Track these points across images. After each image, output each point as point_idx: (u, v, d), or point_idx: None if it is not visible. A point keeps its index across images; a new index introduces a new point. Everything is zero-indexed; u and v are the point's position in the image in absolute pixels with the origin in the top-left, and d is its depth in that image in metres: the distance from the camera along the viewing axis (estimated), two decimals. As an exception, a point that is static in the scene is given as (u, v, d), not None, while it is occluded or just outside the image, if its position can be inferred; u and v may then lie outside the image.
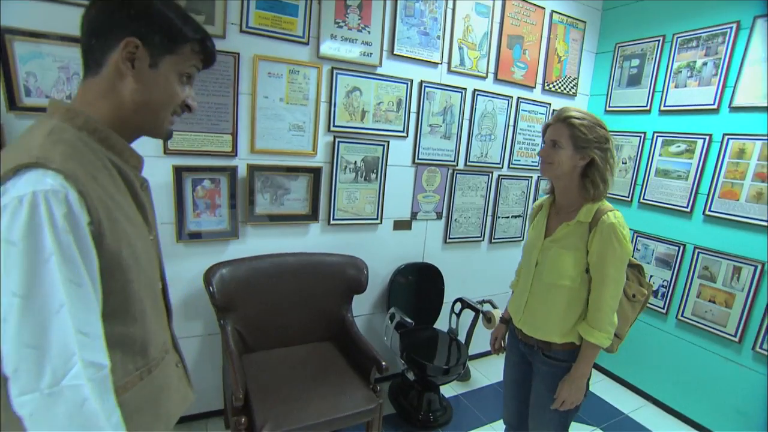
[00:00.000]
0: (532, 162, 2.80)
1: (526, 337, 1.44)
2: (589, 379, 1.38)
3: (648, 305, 2.50)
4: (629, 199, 2.71)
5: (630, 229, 2.51)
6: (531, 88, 2.66)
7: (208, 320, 2.02)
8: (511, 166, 2.73)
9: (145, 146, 1.76)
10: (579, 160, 1.27)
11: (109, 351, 0.69)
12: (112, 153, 0.76)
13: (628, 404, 2.59)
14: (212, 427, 2.10)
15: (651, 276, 2.59)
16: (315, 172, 2.13)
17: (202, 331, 2.04)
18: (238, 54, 1.83)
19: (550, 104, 2.76)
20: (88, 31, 0.74)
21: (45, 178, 0.61)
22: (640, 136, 2.65)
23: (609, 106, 2.83)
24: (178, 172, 1.82)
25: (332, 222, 2.23)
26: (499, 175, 2.69)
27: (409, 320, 2.18)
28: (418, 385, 2.33)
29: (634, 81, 2.70)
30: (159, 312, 0.88)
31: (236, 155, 1.94)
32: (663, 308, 2.53)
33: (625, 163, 2.74)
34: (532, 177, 2.84)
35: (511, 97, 2.59)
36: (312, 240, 2.22)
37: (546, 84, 2.71)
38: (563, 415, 1.39)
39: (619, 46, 2.76)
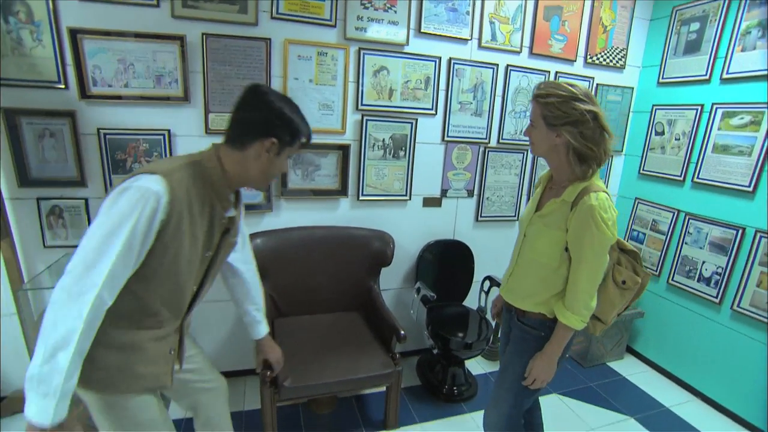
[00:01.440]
0: (572, 139, 2.68)
1: (508, 304, 1.47)
2: (561, 361, 1.36)
3: (699, 294, 2.36)
4: (681, 178, 2.50)
5: (681, 210, 2.39)
6: (571, 61, 2.54)
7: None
8: (548, 143, 2.63)
9: (190, 125, 2.00)
10: (555, 137, 1.22)
11: (124, 295, 0.98)
12: (214, 194, 1.09)
13: (670, 397, 2.43)
14: (249, 383, 2.31)
15: (703, 262, 2.39)
16: (344, 150, 2.24)
17: (226, 296, 2.25)
18: (270, 39, 1.98)
19: (593, 78, 2.61)
20: (245, 122, 1.09)
21: (158, 184, 0.96)
22: (697, 109, 2.42)
23: (662, 78, 2.61)
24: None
25: (361, 197, 2.34)
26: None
27: (432, 294, 2.24)
28: (443, 359, 2.38)
29: (693, 48, 2.46)
30: (178, 303, 1.13)
31: (270, 133, 2.10)
32: (716, 297, 2.33)
33: (678, 139, 2.52)
34: (571, 155, 2.72)
35: (548, 71, 2.49)
36: (342, 214, 2.35)
37: (589, 57, 2.56)
38: (519, 388, 1.39)
39: (676, 10, 2.52)
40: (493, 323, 2.26)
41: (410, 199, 2.44)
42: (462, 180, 2.53)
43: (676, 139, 2.54)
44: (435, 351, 2.35)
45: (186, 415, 2.07)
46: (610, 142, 1.22)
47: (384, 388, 2.06)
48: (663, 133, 2.62)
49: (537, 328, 1.36)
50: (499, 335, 1.67)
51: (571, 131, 1.18)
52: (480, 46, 2.34)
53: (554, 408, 2.29)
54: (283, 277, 2.15)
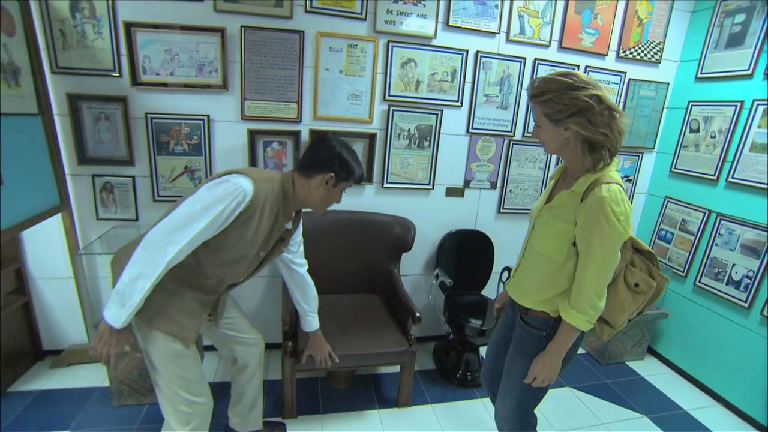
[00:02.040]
0: (601, 135, 2.65)
1: (513, 300, 1.43)
2: (566, 363, 1.33)
3: (727, 297, 2.29)
4: (715, 177, 2.42)
5: (712, 211, 2.33)
6: (602, 55, 2.50)
7: (272, 265, 2.37)
8: (575, 138, 2.62)
9: (227, 111, 2.15)
10: (563, 132, 1.17)
11: (190, 256, 1.25)
12: (281, 208, 1.37)
13: (690, 401, 2.39)
14: (273, 357, 2.44)
15: (733, 265, 2.32)
16: (370, 138, 2.33)
17: (267, 273, 2.42)
18: (303, 32, 2.09)
19: (625, 73, 2.56)
20: (314, 158, 1.39)
21: (249, 185, 1.25)
22: (736, 106, 2.33)
23: (701, 73, 2.52)
24: (252, 135, 2.17)
25: (386, 185, 2.42)
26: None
27: (449, 280, 2.31)
28: (458, 345, 2.45)
29: (736, 41, 2.36)
30: (222, 278, 1.40)
31: (301, 121, 2.22)
32: (745, 302, 2.25)
33: (714, 137, 2.44)
34: (599, 151, 2.69)
35: (578, 65, 2.47)
36: (367, 200, 2.45)
37: (621, 51, 2.51)
38: (523, 387, 1.36)
39: (721, 1, 2.42)
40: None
41: (433, 188, 2.51)
42: (485, 172, 2.56)
43: (711, 137, 2.46)
44: (450, 336, 2.42)
45: (214, 380, 2.26)
46: (622, 120, 1.15)
47: (398, 369, 2.16)
48: (698, 130, 2.54)
49: (539, 328, 1.32)
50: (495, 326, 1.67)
51: (578, 121, 1.13)
52: (508, 40, 2.35)
53: (566, 401, 2.31)
54: (309, 256, 2.27)
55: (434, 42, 2.27)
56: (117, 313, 1.16)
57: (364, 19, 2.16)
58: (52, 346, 2.30)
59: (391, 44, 2.21)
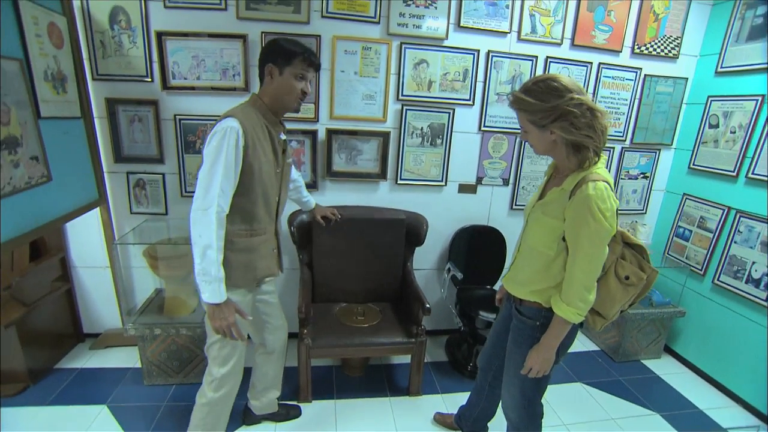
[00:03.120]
0: (615, 132, 2.64)
1: (509, 293, 1.49)
2: (561, 354, 1.37)
3: (747, 296, 2.27)
4: (735, 173, 2.37)
5: (732, 207, 2.30)
6: (616, 52, 2.50)
7: (292, 257, 2.50)
8: (588, 135, 2.62)
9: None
10: (549, 135, 1.22)
11: (233, 214, 1.38)
12: (266, 120, 1.47)
13: (706, 400, 2.36)
14: (289, 345, 2.51)
15: (753, 263, 2.27)
16: (384, 136, 2.42)
17: (287, 265, 2.54)
18: (320, 36, 2.20)
19: (640, 69, 2.54)
20: (259, 64, 1.47)
21: (234, 121, 1.33)
22: (757, 100, 2.29)
23: (720, 67, 2.48)
24: (272, 134, 2.30)
25: (399, 181, 2.51)
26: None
27: (460, 274, 2.37)
28: (469, 338, 2.50)
29: (758, 34, 2.31)
30: (269, 209, 1.54)
31: (318, 121, 2.34)
32: (765, 300, 2.21)
33: (734, 132, 2.39)
34: (614, 148, 2.68)
35: (591, 63, 2.48)
36: (381, 196, 2.54)
37: (637, 47, 2.51)
38: (525, 379, 1.40)
39: (744, -7, 2.39)
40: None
41: (446, 184, 2.57)
42: (498, 169, 2.61)
43: (731, 132, 2.42)
44: (461, 329, 2.48)
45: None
46: (604, 119, 1.19)
47: (410, 359, 2.24)
48: (717, 125, 2.49)
49: (532, 317, 1.38)
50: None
51: (561, 126, 1.18)
52: (519, 39, 2.39)
53: (576, 396, 2.33)
54: (326, 250, 2.38)
55: (446, 43, 2.34)
56: (210, 290, 1.31)
57: (378, 23, 2.25)
58: (91, 329, 2.51)
59: (403, 46, 2.30)
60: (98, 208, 2.20)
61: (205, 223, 1.29)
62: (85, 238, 2.32)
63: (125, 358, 2.35)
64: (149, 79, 2.15)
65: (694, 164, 2.63)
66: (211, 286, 1.31)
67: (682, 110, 2.70)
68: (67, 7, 1.94)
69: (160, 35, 2.09)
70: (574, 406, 2.25)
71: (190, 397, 1.67)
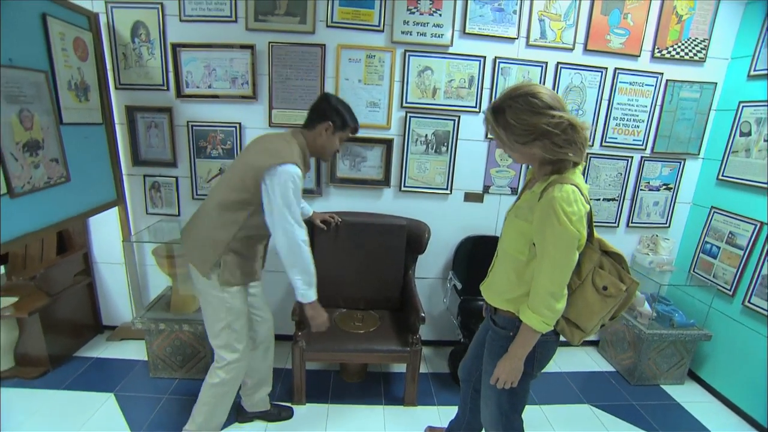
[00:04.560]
0: (634, 140, 2.50)
1: (486, 302, 1.44)
2: (536, 368, 1.32)
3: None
4: None
5: (765, 223, 2.12)
6: (634, 56, 2.37)
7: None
8: (604, 144, 2.50)
9: (257, 119, 2.37)
10: (530, 150, 1.18)
11: (249, 227, 1.60)
12: (305, 161, 1.69)
13: (721, 423, 2.14)
14: (285, 347, 2.47)
15: (787, 282, 2.06)
16: (388, 143, 2.43)
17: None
18: (325, 45, 2.26)
19: (662, 74, 2.40)
20: (315, 111, 1.69)
21: (295, 168, 1.52)
22: (793, 107, 2.10)
23: (754, 70, 2.29)
24: (278, 140, 2.38)
25: (403, 188, 2.50)
26: (588, 154, 2.51)
27: (458, 283, 2.31)
28: (472, 350, 2.43)
29: (794, 37, 2.13)
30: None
31: (322, 128, 2.39)
32: (801, 324, 2.00)
33: None
34: (632, 157, 2.53)
35: (605, 68, 2.37)
36: (385, 203, 2.54)
37: (657, 50, 2.37)
38: (500, 392, 1.36)
39: (778, -7, 2.21)
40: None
41: (451, 193, 2.54)
42: (505, 177, 2.54)
43: (765, 141, 2.22)
44: (462, 340, 2.41)
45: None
46: (584, 132, 1.15)
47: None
48: (749, 133, 2.30)
49: (505, 327, 1.33)
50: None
51: (541, 145, 1.15)
52: (528, 45, 2.34)
53: (581, 418, 2.20)
54: (326, 255, 2.41)
55: (451, 50, 2.32)
56: (312, 292, 1.66)
57: (382, 31, 2.28)
58: (109, 322, 2.68)
59: (407, 53, 2.31)
60: (117, 208, 2.36)
61: (296, 245, 1.58)
62: (106, 236, 2.49)
63: (136, 350, 2.48)
64: (165, 88, 2.29)
65: (723, 175, 2.43)
66: (312, 289, 1.66)
67: (710, 117, 2.51)
68: (93, 23, 2.12)
69: (175, 47, 2.23)
70: (578, 429, 2.12)
71: (191, 391, 1.78)
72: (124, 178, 2.39)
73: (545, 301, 1.18)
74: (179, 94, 2.29)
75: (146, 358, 2.30)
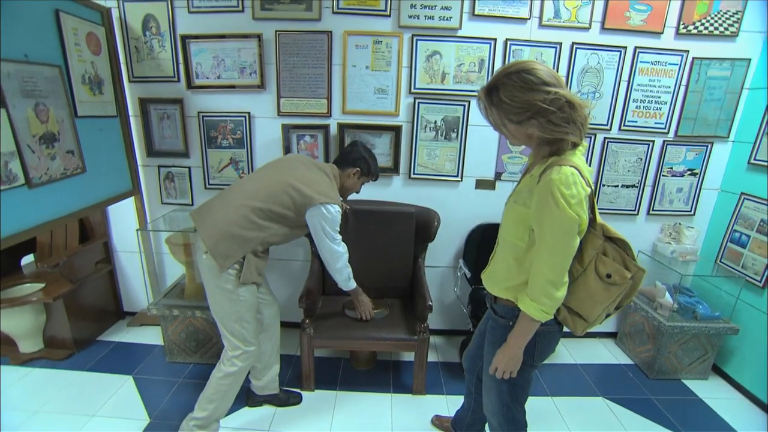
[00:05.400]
0: (656, 123, 2.36)
1: (487, 290, 1.40)
2: (536, 358, 1.28)
3: None
4: (803, 169, 2.02)
5: None
6: (657, 34, 2.23)
7: (306, 249, 2.57)
8: (622, 128, 2.38)
9: (265, 108, 2.38)
10: (526, 130, 1.12)
11: (275, 235, 1.71)
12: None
13: (747, 420, 2.03)
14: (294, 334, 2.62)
15: (823, 273, 1.92)
16: (396, 130, 2.40)
17: (302, 257, 2.63)
18: (331, 32, 2.24)
19: (687, 51, 2.25)
20: (347, 157, 1.93)
21: (338, 208, 1.74)
22: (833, 83, 1.92)
23: (791, 46, 2.12)
24: (286, 129, 2.38)
25: (413, 176, 2.47)
26: (605, 138, 2.39)
27: (468, 271, 2.27)
28: (483, 340, 2.40)
29: (837, 6, 1.95)
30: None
31: (330, 116, 2.38)
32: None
33: (803, 120, 2.03)
34: (653, 141, 2.40)
35: (625, 47, 2.25)
36: (394, 191, 2.52)
37: (683, 26, 2.22)
38: (500, 382, 1.32)
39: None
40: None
41: (462, 180, 2.49)
42: (518, 164, 2.46)
43: (801, 122, 2.06)
44: (472, 330, 2.38)
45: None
46: (584, 110, 1.09)
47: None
48: (784, 114, 2.13)
49: (505, 317, 1.30)
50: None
51: (537, 123, 1.09)
52: (541, 25, 2.24)
53: (594, 411, 2.14)
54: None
55: (460, 33, 2.26)
56: (351, 283, 1.96)
57: (389, 16, 2.24)
58: (130, 308, 2.80)
59: (415, 38, 2.26)
60: (133, 198, 2.44)
61: (345, 259, 1.87)
62: (124, 225, 2.58)
63: (154, 336, 2.58)
64: (176, 80, 2.33)
65: (755, 159, 2.27)
66: (351, 281, 1.96)
67: (742, 96, 2.34)
68: (106, 18, 2.17)
69: (184, 39, 2.26)
70: (590, 422, 2.06)
71: (205, 376, 1.82)
72: (140, 168, 2.46)
73: (544, 289, 1.14)
74: (189, 85, 2.33)
75: (163, 344, 2.38)
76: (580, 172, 1.09)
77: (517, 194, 1.25)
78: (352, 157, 1.92)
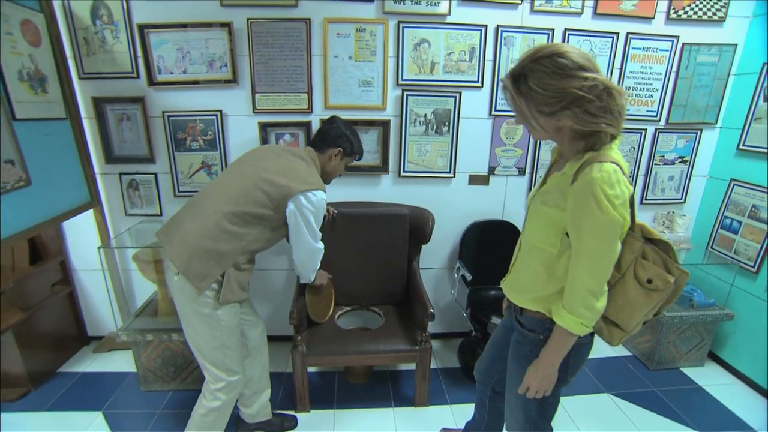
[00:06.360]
0: (648, 111, 2.32)
1: (509, 301, 1.29)
2: (570, 373, 1.17)
3: None
4: (794, 153, 2.02)
5: None
6: (648, 19, 2.18)
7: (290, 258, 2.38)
8: (616, 116, 2.32)
9: (239, 106, 2.16)
10: (556, 122, 1.00)
11: (256, 241, 1.49)
12: None
13: (761, 418, 2.04)
14: (285, 349, 2.41)
15: (818, 257, 1.93)
16: (384, 125, 2.24)
17: (286, 266, 2.43)
18: (309, 19, 2.04)
19: (677, 37, 2.21)
20: (325, 136, 1.70)
21: (324, 195, 1.53)
22: (822, 67, 1.93)
23: (777, 31, 2.11)
24: (264, 127, 2.17)
25: (403, 174, 2.32)
26: (599, 128, 2.33)
27: (468, 273, 2.16)
28: (483, 343, 2.29)
29: (823, -11, 1.95)
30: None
31: (312, 112, 2.18)
32: (834, 301, 1.88)
33: (793, 105, 2.04)
34: (646, 130, 2.36)
35: (617, 33, 2.18)
36: (384, 191, 2.37)
37: (673, 11, 2.18)
38: (529, 400, 1.20)
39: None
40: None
41: (455, 176, 2.36)
42: (512, 157, 2.36)
43: (792, 106, 2.06)
44: (473, 334, 2.28)
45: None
46: (622, 98, 0.97)
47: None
48: (773, 98, 2.14)
49: (534, 330, 1.18)
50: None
51: (571, 114, 0.96)
52: (532, 10, 2.13)
53: (603, 409, 2.08)
54: (326, 250, 2.24)
55: (449, 19, 2.11)
56: (313, 276, 1.81)
57: (372, 1, 2.06)
58: (95, 332, 2.51)
59: (401, 25, 2.09)
60: (92, 211, 2.16)
61: (319, 256, 1.70)
62: (83, 241, 2.29)
63: (125, 362, 2.31)
64: (135, 75, 2.06)
65: (744, 145, 2.27)
66: (315, 274, 1.81)
67: (729, 82, 2.34)
68: (45, 4, 1.87)
69: (142, 28, 1.99)
70: (601, 421, 2.01)
71: (186, 404, 1.62)
72: (98, 177, 2.18)
73: (584, 300, 1.02)
74: (151, 81, 2.07)
75: (136, 370, 2.13)
76: (620, 169, 0.98)
77: (544, 195, 1.13)
78: (332, 135, 1.70)
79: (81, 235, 2.28)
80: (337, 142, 1.69)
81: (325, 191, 1.55)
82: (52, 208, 1.88)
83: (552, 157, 1.23)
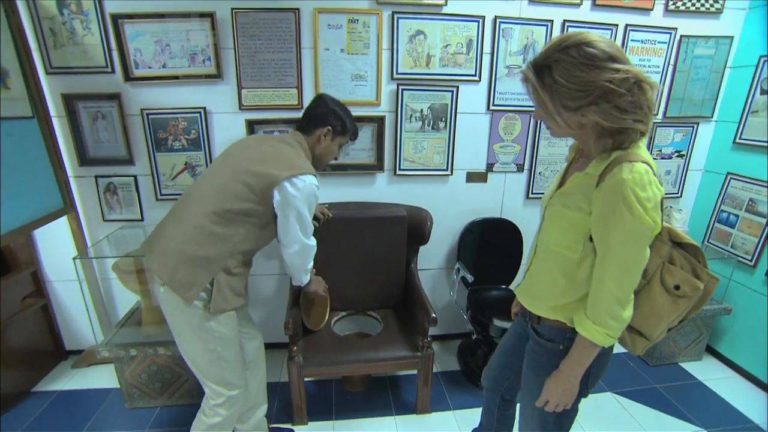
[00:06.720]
0: (647, 104, 2.29)
1: (524, 307, 1.21)
2: (590, 384, 1.12)
3: None
4: (792, 147, 2.02)
5: None
6: (646, 11, 2.13)
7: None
8: (615, 110, 2.28)
9: (224, 102, 2.03)
10: (580, 118, 0.93)
11: (247, 240, 1.36)
12: None
13: (761, 412, 2.04)
14: (280, 357, 2.35)
15: (817, 250, 1.93)
16: (379, 122, 2.14)
17: (278, 270, 2.32)
18: (298, 9, 1.92)
19: (675, 29, 2.17)
20: (312, 115, 1.54)
21: (315, 179, 1.39)
22: (820, 59, 1.91)
23: (774, 22, 2.09)
24: (251, 125, 2.04)
25: (398, 172, 2.23)
26: (597, 122, 2.29)
27: (469, 276, 2.09)
28: (483, 345, 2.24)
29: (820, -19, 1.93)
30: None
31: (302, 107, 2.04)
32: (832, 294, 1.88)
33: (791, 98, 2.03)
34: (645, 123, 2.33)
35: (616, 25, 2.12)
36: (379, 190, 2.27)
37: (671, 2, 2.13)
38: (546, 413, 1.14)
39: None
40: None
41: (452, 173, 2.28)
42: (510, 153, 2.30)
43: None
44: (474, 336, 2.22)
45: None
46: (653, 91, 0.89)
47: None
48: (770, 91, 2.12)
49: (553, 340, 1.11)
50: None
51: (598, 110, 0.89)
52: (531, 1, 2.05)
53: (606, 408, 2.06)
54: (318, 255, 2.13)
55: (445, 9, 2.02)
56: (307, 278, 1.64)
57: (365, -10, 1.95)
58: (74, 346, 2.34)
59: (396, 16, 1.99)
60: (66, 217, 2.00)
61: (311, 253, 1.57)
62: (57, 250, 2.12)
63: (108, 377, 2.16)
64: (109, 70, 1.90)
65: (740, 138, 2.26)
66: (308, 275, 1.64)
67: (725, 75, 2.32)
68: (5, -10, 1.70)
69: (116, 18, 1.83)
70: (605, 420, 1.98)
71: (175, 421, 1.51)
72: (71, 180, 2.01)
73: (611, 309, 0.96)
74: (128, 77, 1.91)
75: (119, 386, 1.99)
76: (651, 169, 0.91)
77: (564, 196, 1.05)
78: (319, 113, 1.52)
79: (55, 244, 2.12)
80: (325, 119, 1.51)
81: (315, 175, 1.39)
82: (20, 215, 1.72)
83: (569, 155, 1.15)
